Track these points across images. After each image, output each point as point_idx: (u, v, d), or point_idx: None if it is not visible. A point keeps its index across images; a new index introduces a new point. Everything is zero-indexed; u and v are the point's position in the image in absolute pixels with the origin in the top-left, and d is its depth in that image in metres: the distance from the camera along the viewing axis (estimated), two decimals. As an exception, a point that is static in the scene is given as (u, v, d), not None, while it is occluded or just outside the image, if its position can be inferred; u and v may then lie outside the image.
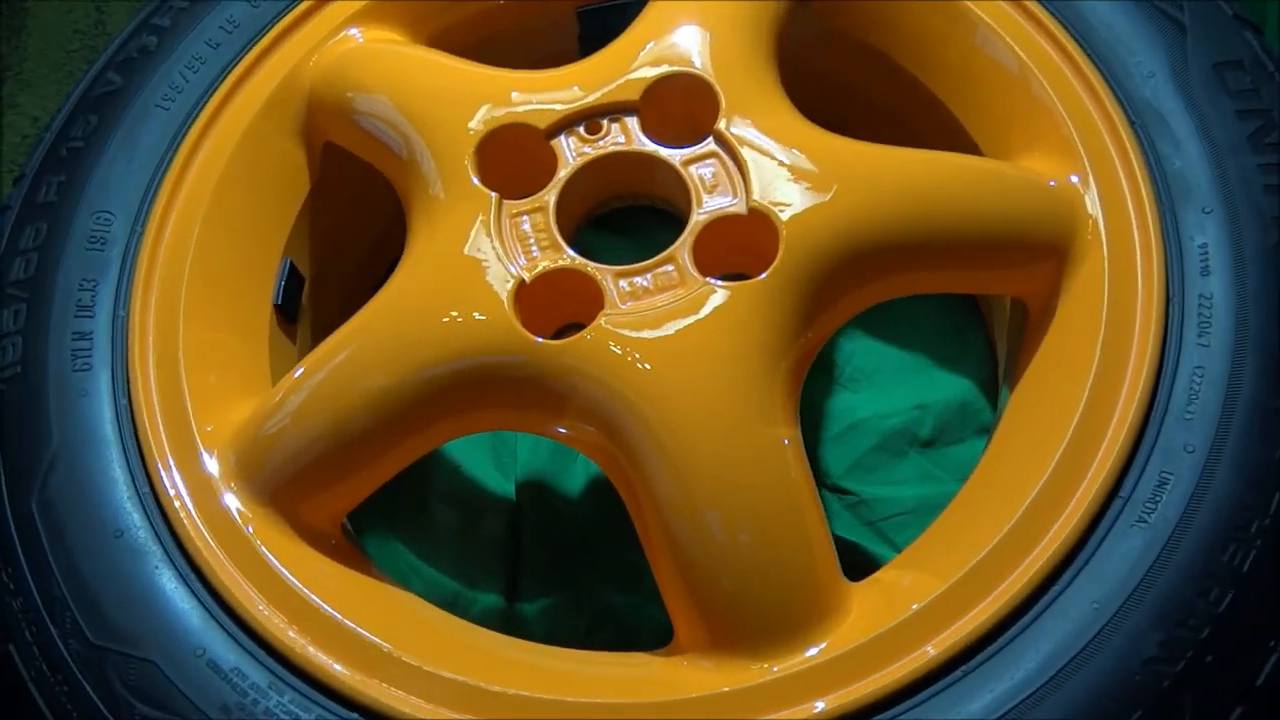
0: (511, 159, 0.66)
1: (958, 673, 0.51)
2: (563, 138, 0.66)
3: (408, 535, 0.81)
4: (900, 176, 0.62)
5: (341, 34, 0.74)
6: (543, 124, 0.66)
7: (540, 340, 0.59)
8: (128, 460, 0.60)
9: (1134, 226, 0.60)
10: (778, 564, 0.55)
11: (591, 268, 0.61)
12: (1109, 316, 0.58)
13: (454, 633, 0.59)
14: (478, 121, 0.66)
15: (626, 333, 0.58)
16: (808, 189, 0.61)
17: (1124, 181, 0.61)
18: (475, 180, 0.64)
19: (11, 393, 0.62)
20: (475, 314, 0.60)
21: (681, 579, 0.56)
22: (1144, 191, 0.61)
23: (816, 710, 0.51)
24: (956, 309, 0.84)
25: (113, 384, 0.62)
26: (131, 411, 0.62)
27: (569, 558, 0.81)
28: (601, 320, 0.59)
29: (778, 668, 0.53)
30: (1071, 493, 0.54)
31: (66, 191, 0.68)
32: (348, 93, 0.71)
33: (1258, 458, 0.52)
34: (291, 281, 0.72)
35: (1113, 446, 0.54)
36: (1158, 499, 0.53)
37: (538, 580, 0.81)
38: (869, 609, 0.55)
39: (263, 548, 0.58)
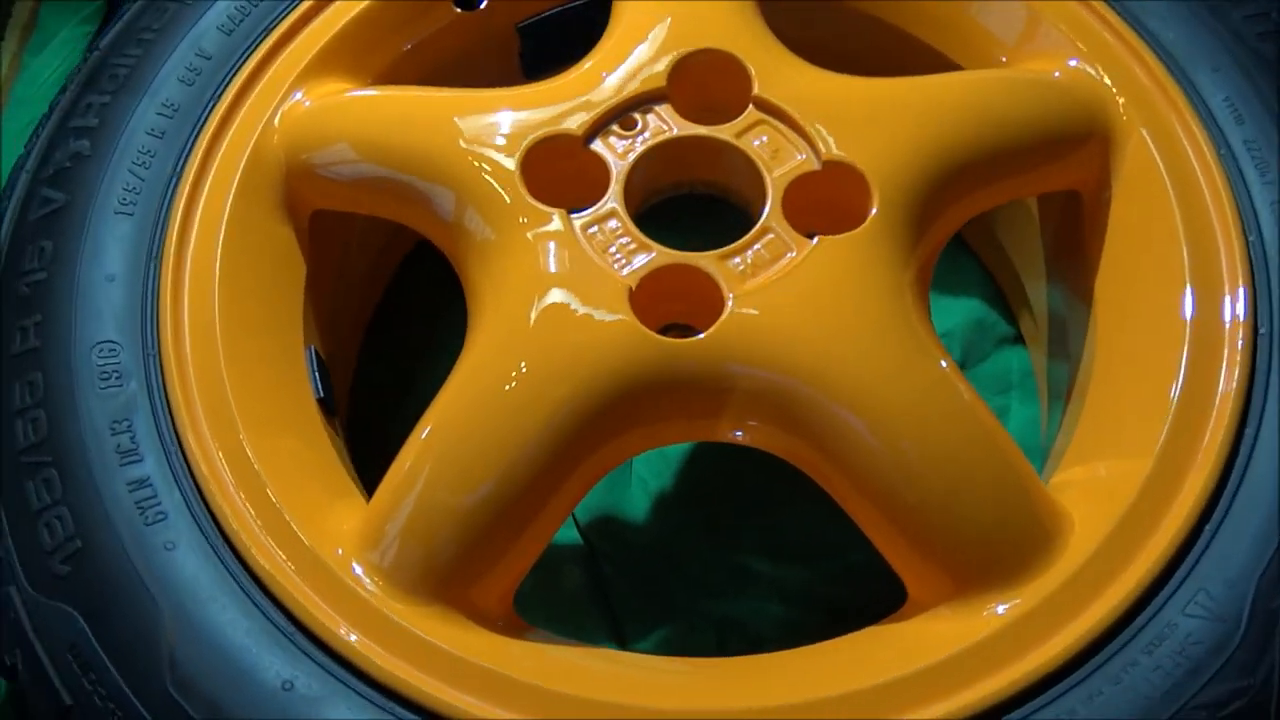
0: (551, 174, 0.62)
1: (1206, 532, 0.52)
2: (598, 141, 0.63)
3: (492, 614, 0.74)
4: (948, 101, 0.63)
5: (290, 99, 0.67)
6: (580, 130, 0.62)
7: (680, 341, 0.55)
8: (256, 605, 0.51)
9: (1158, 97, 0.64)
10: (992, 485, 0.54)
11: (695, 257, 0.58)
12: (1173, 183, 0.62)
13: (686, 670, 0.55)
14: (512, 142, 0.61)
15: (765, 310, 0.56)
16: (872, 132, 0.61)
17: (1133, 63, 0.65)
18: (533, 202, 0.60)
19: (82, 573, 0.51)
20: (599, 335, 0.55)
21: (903, 535, 0.55)
22: (1153, 66, 0.65)
23: (1103, 611, 0.50)
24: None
25: (197, 526, 0.53)
26: (235, 550, 0.52)
27: (662, 582, 0.77)
28: (733, 304, 0.56)
29: (1031, 595, 0.52)
30: (1220, 343, 0.57)
31: (49, 331, 0.57)
32: (334, 156, 0.64)
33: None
34: (322, 371, 0.64)
35: (1235, 291, 0.58)
36: (1294, 324, 0.56)
37: (640, 615, 0.76)
38: (1087, 510, 0.55)
39: (463, 654, 0.51)
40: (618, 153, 0.62)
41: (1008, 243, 0.80)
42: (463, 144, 0.62)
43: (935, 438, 0.54)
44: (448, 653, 0.51)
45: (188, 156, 0.64)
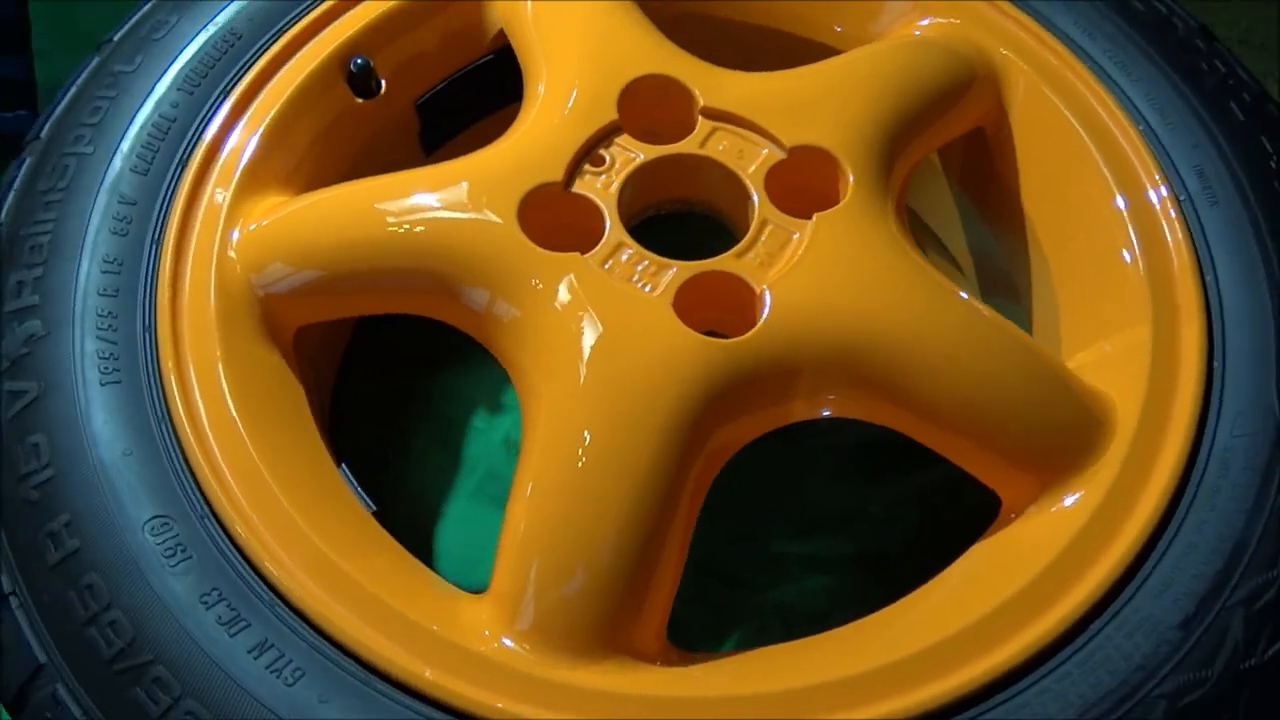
0: (544, 227, 0.62)
1: (1216, 369, 0.59)
2: (576, 184, 0.64)
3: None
4: (868, 71, 0.69)
5: (236, 228, 0.63)
6: (559, 176, 0.63)
7: (741, 338, 0.57)
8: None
9: (1020, 32, 0.73)
10: (1040, 381, 0.59)
11: (713, 262, 0.61)
12: (1062, 100, 0.70)
13: (844, 638, 0.57)
14: (502, 203, 0.61)
15: (803, 289, 0.59)
16: (820, 113, 0.66)
17: (990, 10, 0.74)
18: (546, 253, 0.60)
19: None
20: (667, 358, 0.56)
21: (985, 448, 0.59)
22: (1008, 8, 0.74)
23: (1174, 456, 0.57)
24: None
25: (342, 670, 0.49)
26: (395, 680, 0.49)
27: (711, 594, 0.78)
28: (772, 292, 0.59)
29: (1110, 467, 0.57)
30: (1157, 217, 0.65)
31: (86, 528, 0.51)
32: (310, 272, 0.62)
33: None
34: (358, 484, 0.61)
35: (1152, 177, 0.66)
36: (1211, 191, 0.66)
37: (703, 630, 0.77)
38: (1114, 383, 0.61)
39: (658, 693, 0.50)
40: (598, 189, 0.64)
41: (909, 197, 0.87)
42: (450, 217, 0.61)
43: (983, 354, 0.59)
44: (647, 697, 0.50)
45: (153, 308, 0.59)
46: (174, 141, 0.65)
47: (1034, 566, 0.55)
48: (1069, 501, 0.58)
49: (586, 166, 0.64)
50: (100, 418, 0.55)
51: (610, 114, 0.65)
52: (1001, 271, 0.77)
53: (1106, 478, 0.58)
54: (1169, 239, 0.65)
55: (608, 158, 0.65)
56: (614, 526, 0.54)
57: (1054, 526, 0.57)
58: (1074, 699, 0.50)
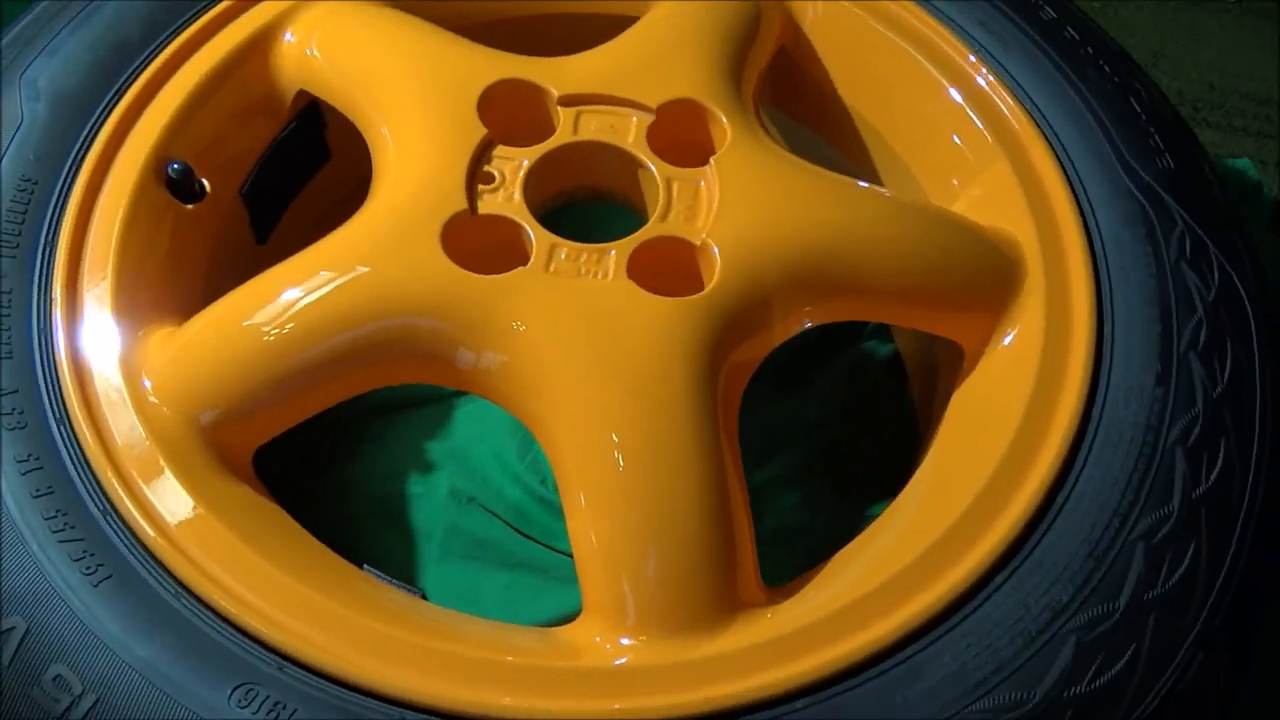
0: (467, 256, 0.60)
1: (1072, 180, 0.67)
2: (480, 206, 0.62)
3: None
4: (691, 16, 0.71)
5: (144, 378, 0.57)
6: (463, 204, 0.61)
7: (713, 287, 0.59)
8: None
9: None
10: (956, 233, 0.66)
11: (644, 231, 0.62)
12: (862, 8, 0.76)
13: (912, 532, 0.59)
14: (422, 242, 0.58)
15: (739, 224, 0.61)
16: (668, 67, 0.68)
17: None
18: (491, 278, 0.58)
19: None
20: (670, 338, 0.57)
21: (941, 306, 0.64)
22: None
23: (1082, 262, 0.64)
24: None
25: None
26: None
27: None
28: (713, 239, 0.60)
29: (1037, 287, 0.64)
30: (983, 88, 0.72)
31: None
32: (257, 382, 0.57)
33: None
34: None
35: (967, 58, 0.73)
36: (998, 37, 0.74)
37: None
38: (1003, 219, 0.67)
39: (783, 630, 0.52)
40: (502, 204, 0.63)
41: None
42: (383, 275, 0.58)
43: (901, 226, 0.64)
44: (784, 637, 0.52)
45: (102, 490, 0.52)
46: (21, 315, 0.57)
47: (1024, 390, 0.60)
48: (1019, 330, 0.64)
49: (480, 187, 0.63)
50: (114, 621, 0.47)
51: (479, 130, 0.64)
52: (844, 167, 0.83)
53: (1039, 297, 0.64)
54: (989, 89, 0.72)
55: (495, 173, 0.64)
56: (680, 498, 0.54)
57: (1019, 354, 0.63)
58: (1118, 477, 0.57)
